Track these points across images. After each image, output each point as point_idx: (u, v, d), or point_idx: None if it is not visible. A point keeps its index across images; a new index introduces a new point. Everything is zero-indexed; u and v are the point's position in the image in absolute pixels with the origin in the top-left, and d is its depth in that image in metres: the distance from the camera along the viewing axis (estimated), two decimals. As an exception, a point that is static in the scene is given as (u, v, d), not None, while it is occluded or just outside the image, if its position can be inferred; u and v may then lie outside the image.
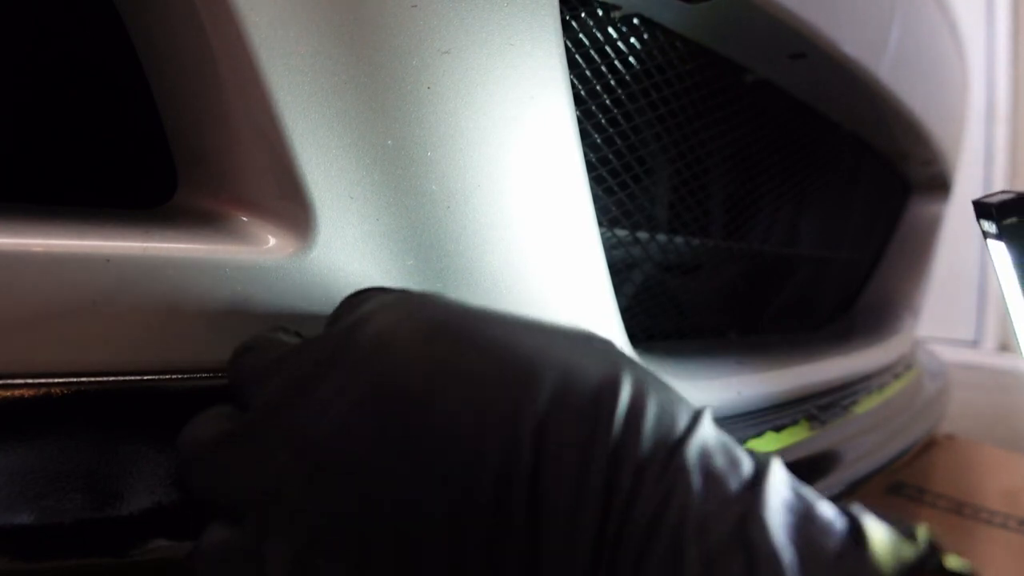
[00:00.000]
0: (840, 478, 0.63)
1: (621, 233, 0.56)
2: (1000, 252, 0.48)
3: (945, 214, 1.12)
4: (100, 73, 0.37)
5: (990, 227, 0.47)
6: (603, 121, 0.51)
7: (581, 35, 0.47)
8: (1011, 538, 0.81)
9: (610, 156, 0.52)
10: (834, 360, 0.75)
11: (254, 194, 0.33)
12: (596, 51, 0.48)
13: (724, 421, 0.53)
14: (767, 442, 0.56)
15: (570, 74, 0.36)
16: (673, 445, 0.24)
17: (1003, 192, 0.47)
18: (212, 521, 0.27)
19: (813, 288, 0.94)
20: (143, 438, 0.30)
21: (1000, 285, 0.51)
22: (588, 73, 0.48)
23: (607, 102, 0.51)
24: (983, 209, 0.47)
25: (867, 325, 1.02)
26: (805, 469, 0.60)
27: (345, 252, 0.33)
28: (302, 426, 0.25)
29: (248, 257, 0.31)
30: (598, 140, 0.50)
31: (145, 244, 0.30)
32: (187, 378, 0.31)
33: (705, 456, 0.24)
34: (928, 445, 1.13)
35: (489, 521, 0.23)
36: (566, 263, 0.39)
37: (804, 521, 0.23)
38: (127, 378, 0.30)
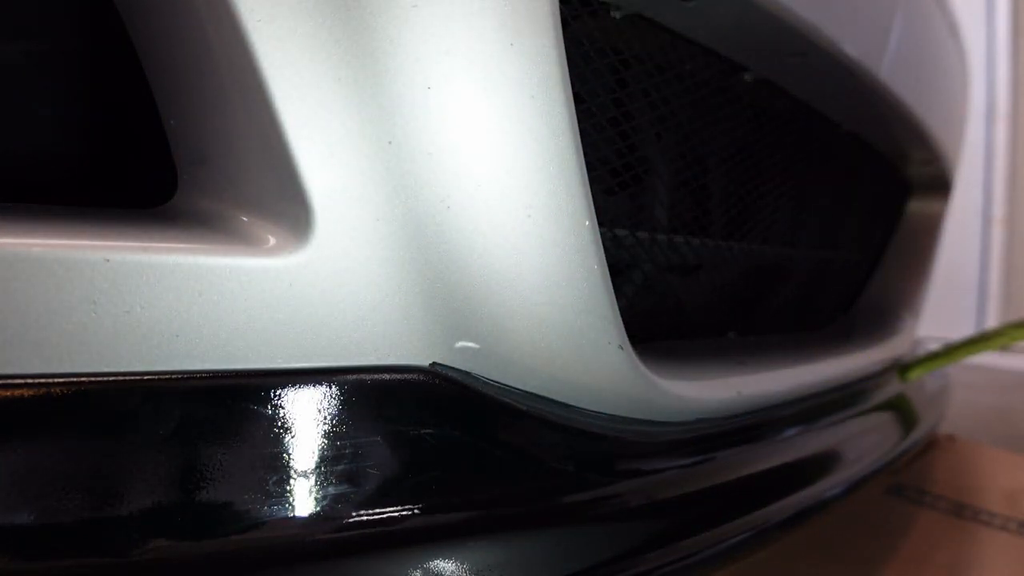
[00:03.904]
0: (840, 478, 0.63)
1: (621, 233, 0.56)
2: None
3: (945, 214, 1.12)
4: (100, 73, 0.37)
5: None
6: (603, 121, 0.51)
7: (581, 35, 0.47)
8: (1011, 541, 0.81)
9: (610, 156, 0.52)
10: (834, 360, 0.75)
11: (254, 194, 0.33)
12: (596, 51, 0.48)
13: (724, 421, 0.53)
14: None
15: (570, 74, 0.36)
16: None
17: None
18: None
19: (813, 288, 0.94)
20: (143, 438, 0.30)
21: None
22: (588, 73, 0.48)
23: (607, 102, 0.50)
24: None
25: (867, 325, 1.01)
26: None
27: (345, 252, 0.33)
28: None
29: (248, 257, 0.31)
30: (598, 140, 0.50)
31: (145, 244, 0.30)
32: (187, 378, 0.31)
33: None
34: (928, 446, 1.13)
35: None
36: (566, 263, 0.39)
37: None
38: (127, 378, 0.30)
